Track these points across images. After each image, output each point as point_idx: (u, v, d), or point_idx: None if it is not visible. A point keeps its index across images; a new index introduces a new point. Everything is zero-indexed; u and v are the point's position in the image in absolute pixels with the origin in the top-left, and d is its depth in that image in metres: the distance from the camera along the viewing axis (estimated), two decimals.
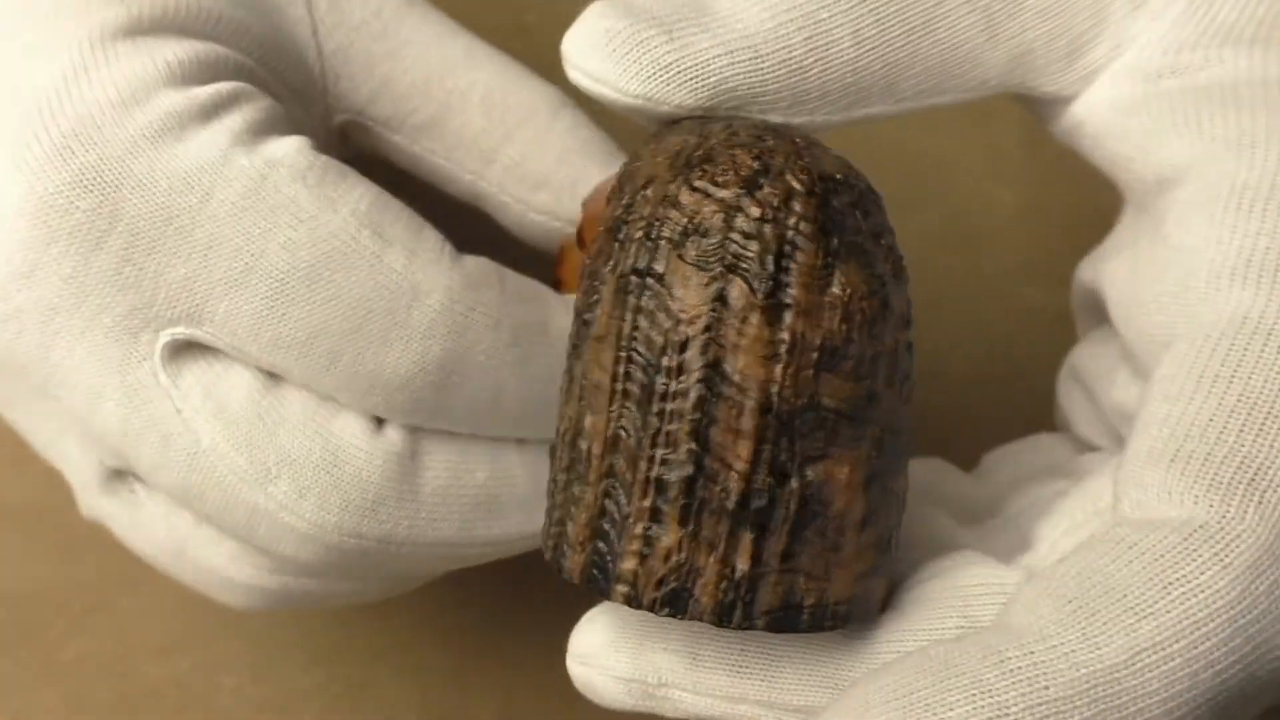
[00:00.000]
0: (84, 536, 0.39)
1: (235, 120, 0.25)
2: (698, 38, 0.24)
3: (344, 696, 0.38)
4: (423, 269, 0.25)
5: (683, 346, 0.22)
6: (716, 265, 0.22)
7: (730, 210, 0.22)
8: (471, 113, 0.29)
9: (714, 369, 0.22)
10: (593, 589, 0.23)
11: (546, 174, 0.29)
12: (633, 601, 0.23)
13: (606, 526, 0.23)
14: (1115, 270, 0.27)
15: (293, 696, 0.38)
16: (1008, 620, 0.22)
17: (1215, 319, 0.23)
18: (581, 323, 0.24)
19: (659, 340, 0.23)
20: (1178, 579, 0.21)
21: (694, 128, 0.24)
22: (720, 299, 0.22)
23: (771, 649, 0.24)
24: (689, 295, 0.22)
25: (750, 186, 0.22)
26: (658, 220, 0.23)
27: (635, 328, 0.23)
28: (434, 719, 0.38)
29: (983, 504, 0.29)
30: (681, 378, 0.22)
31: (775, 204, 0.22)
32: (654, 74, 0.23)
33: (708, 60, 0.24)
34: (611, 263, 0.23)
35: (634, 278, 0.23)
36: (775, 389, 0.22)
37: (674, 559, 0.22)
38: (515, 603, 0.39)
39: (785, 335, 0.22)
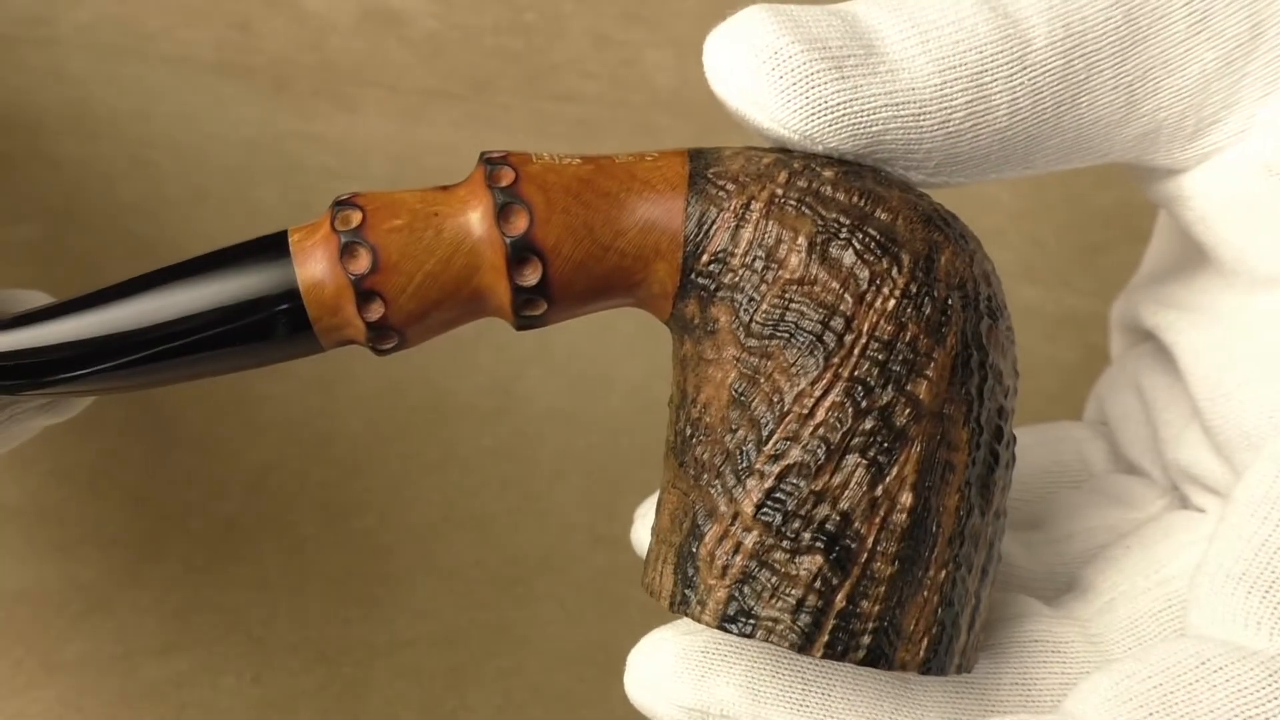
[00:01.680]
0: (84, 536, 0.39)
1: None
2: (867, 81, 0.22)
3: (344, 696, 0.38)
4: None
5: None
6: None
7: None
8: None
9: None
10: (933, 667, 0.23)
11: None
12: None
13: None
14: (1193, 335, 0.27)
15: (293, 696, 0.38)
16: (1083, 713, 0.22)
17: None
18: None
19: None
20: (1258, 715, 0.21)
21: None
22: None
23: (829, 687, 0.24)
24: (1008, 369, 0.23)
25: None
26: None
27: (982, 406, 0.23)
28: (434, 719, 0.38)
29: (1013, 492, 0.29)
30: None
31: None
32: (819, 113, 0.22)
33: (875, 109, 0.22)
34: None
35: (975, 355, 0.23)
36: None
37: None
38: (515, 604, 0.39)
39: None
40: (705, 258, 0.22)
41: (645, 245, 0.23)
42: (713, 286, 0.22)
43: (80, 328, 0.24)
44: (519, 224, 0.22)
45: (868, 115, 0.22)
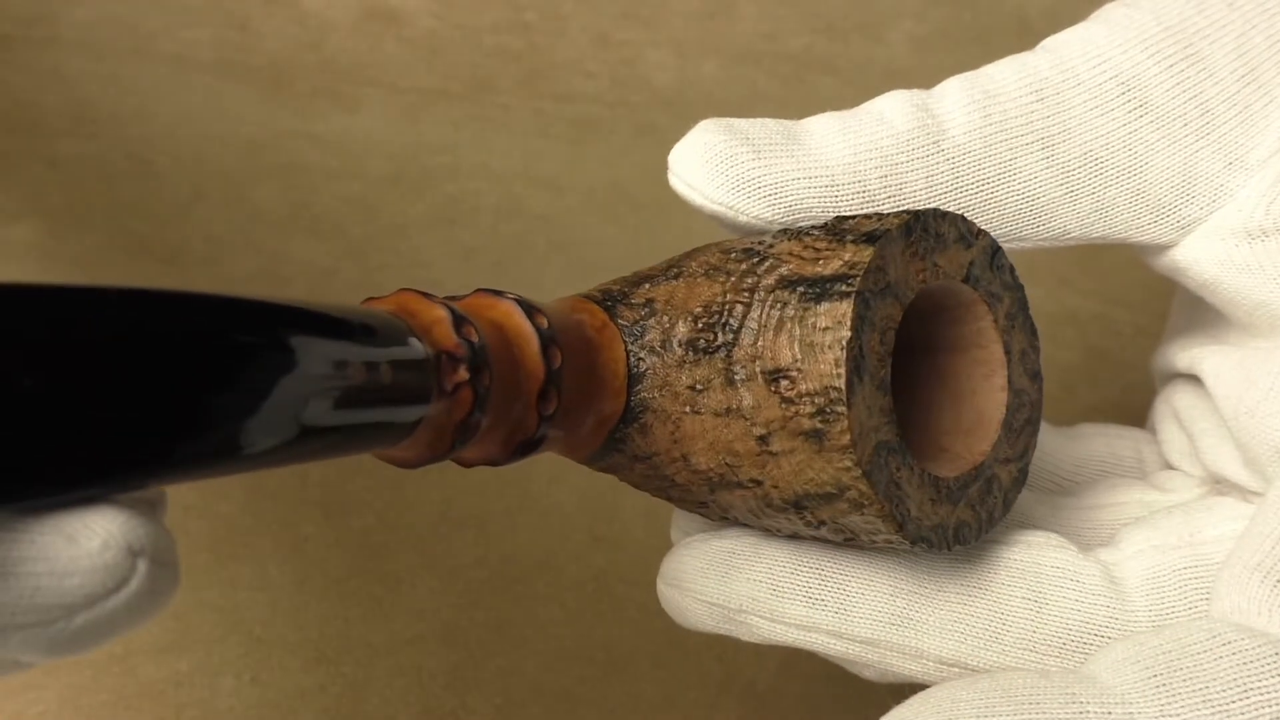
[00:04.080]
0: None
1: None
2: (781, 160, 0.26)
3: (344, 696, 0.38)
4: None
5: None
6: None
7: None
8: None
9: None
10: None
11: None
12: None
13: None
14: (1217, 359, 0.28)
15: (293, 696, 0.38)
16: (1094, 672, 0.23)
17: None
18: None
19: None
20: (1259, 687, 0.23)
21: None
22: None
23: (845, 583, 0.26)
24: None
25: None
26: None
27: None
28: (434, 719, 0.38)
29: (1064, 471, 0.31)
30: None
31: None
32: (738, 185, 0.26)
33: (787, 181, 0.26)
34: None
35: None
36: None
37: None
38: (515, 604, 0.39)
39: None
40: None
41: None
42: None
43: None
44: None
45: (781, 186, 0.26)
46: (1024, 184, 0.26)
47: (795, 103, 0.47)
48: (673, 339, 0.25)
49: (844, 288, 0.23)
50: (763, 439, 0.24)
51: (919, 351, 0.27)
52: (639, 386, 0.25)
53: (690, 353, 0.25)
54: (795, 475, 0.24)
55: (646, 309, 0.25)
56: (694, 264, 0.26)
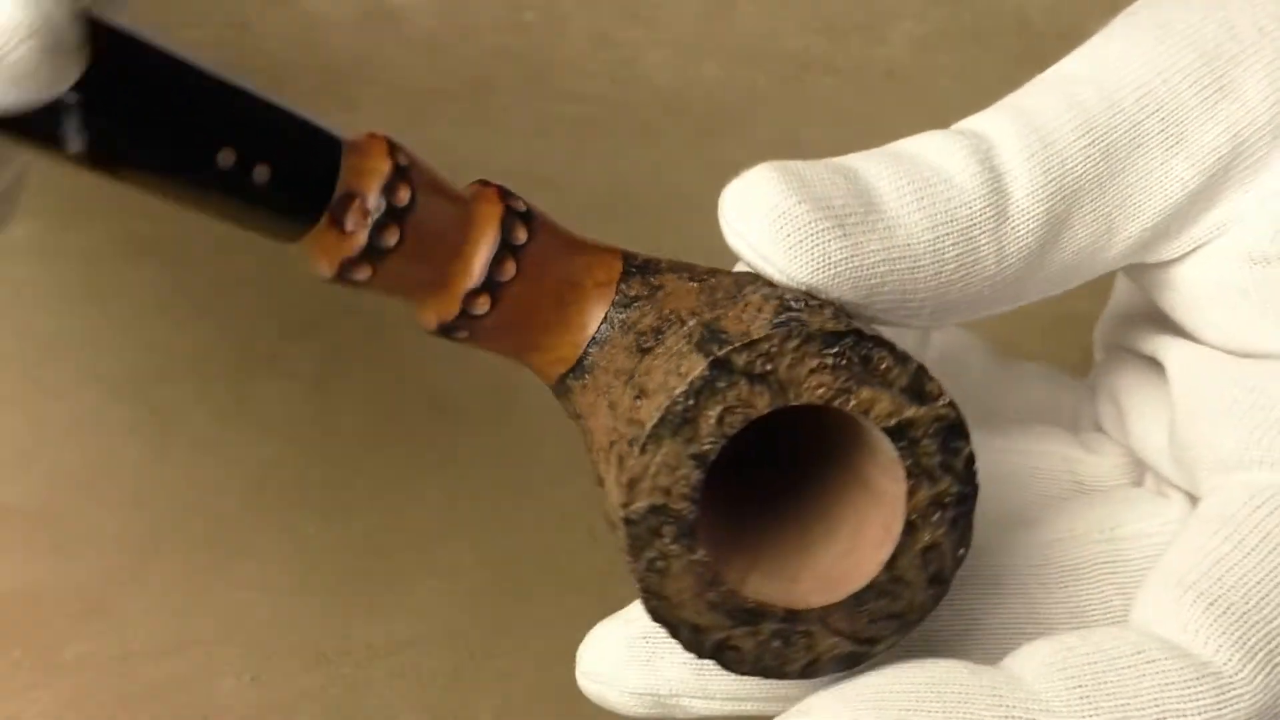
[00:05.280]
0: (84, 536, 0.39)
1: None
2: (867, 239, 0.24)
3: (344, 696, 0.38)
4: None
5: None
6: None
7: None
8: None
9: None
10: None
11: None
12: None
13: None
14: (1185, 350, 0.28)
15: (293, 696, 0.38)
16: (1021, 673, 0.24)
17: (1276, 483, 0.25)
18: None
19: None
20: (1175, 710, 0.23)
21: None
22: None
23: None
24: None
25: None
26: None
27: None
28: (434, 719, 0.38)
29: (1006, 411, 0.32)
30: None
31: None
32: (823, 268, 0.24)
33: (873, 264, 0.24)
34: None
35: None
36: None
37: None
38: (515, 604, 0.39)
39: None
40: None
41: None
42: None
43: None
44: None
45: (867, 270, 0.24)
46: (1073, 239, 0.26)
47: (795, 103, 0.47)
48: (637, 325, 0.25)
49: (715, 349, 0.22)
50: (611, 445, 0.23)
51: (844, 469, 0.25)
52: (594, 349, 0.25)
53: (636, 343, 0.24)
54: (604, 493, 0.23)
55: (649, 290, 0.25)
56: (716, 279, 0.25)
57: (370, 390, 0.42)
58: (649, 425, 0.22)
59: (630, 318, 0.25)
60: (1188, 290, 0.27)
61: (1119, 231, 0.26)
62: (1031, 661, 0.24)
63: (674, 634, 0.23)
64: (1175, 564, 0.25)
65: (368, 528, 0.40)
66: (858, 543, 0.24)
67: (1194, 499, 0.28)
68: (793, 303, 0.24)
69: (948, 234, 0.24)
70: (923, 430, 0.23)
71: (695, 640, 0.23)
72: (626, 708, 0.26)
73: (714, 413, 0.22)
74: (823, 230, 0.24)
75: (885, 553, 0.23)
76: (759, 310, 0.23)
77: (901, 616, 0.24)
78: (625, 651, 0.26)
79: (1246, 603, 0.24)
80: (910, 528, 0.23)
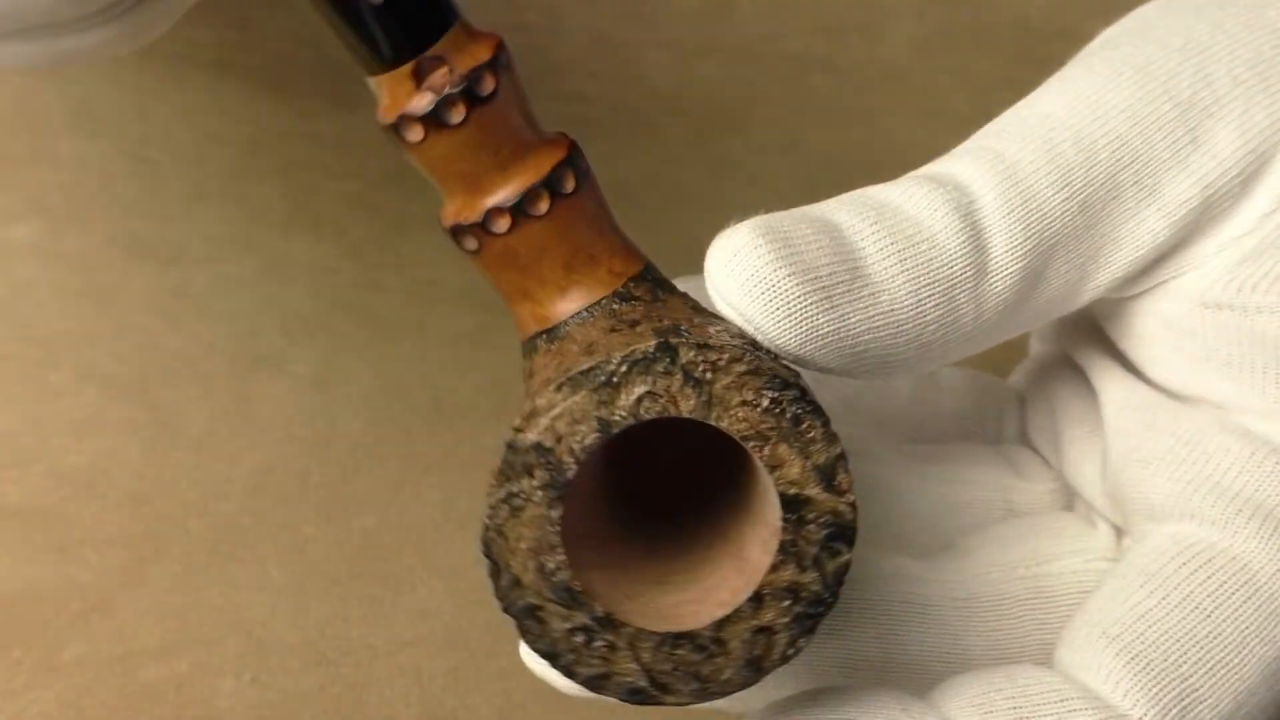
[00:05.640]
0: (84, 536, 0.39)
1: None
2: (852, 309, 0.24)
3: (344, 696, 0.38)
4: None
5: None
6: None
7: None
8: None
9: None
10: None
11: None
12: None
13: None
14: (1124, 389, 0.28)
15: (293, 696, 0.38)
16: (948, 710, 0.24)
17: (1208, 542, 0.26)
18: None
19: None
20: None
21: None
22: None
23: None
24: None
25: None
26: None
27: None
28: (434, 719, 0.38)
29: (929, 428, 0.32)
30: None
31: None
32: (810, 340, 0.24)
33: (858, 334, 0.24)
34: None
35: None
36: None
37: None
38: None
39: None
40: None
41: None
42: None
43: None
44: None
45: (852, 339, 0.24)
46: (1047, 290, 0.26)
47: (795, 103, 0.47)
48: (622, 316, 0.25)
49: (670, 337, 0.22)
50: (542, 385, 0.23)
51: (732, 526, 0.25)
52: (574, 321, 0.25)
53: (611, 326, 0.24)
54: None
55: (651, 298, 0.25)
56: (716, 314, 0.25)
57: (370, 390, 0.42)
58: (574, 371, 0.22)
59: (621, 309, 0.25)
60: (1138, 324, 0.27)
61: (1090, 280, 0.26)
62: (958, 700, 0.24)
63: (494, 576, 0.23)
64: (1102, 612, 0.25)
65: (368, 528, 0.40)
66: (706, 598, 0.24)
67: (1121, 532, 0.29)
68: (763, 344, 0.24)
69: (930, 296, 0.24)
70: (815, 516, 0.23)
71: (509, 593, 0.23)
72: (570, 687, 0.26)
73: (638, 390, 0.22)
74: (810, 305, 0.24)
75: (723, 613, 0.23)
76: (727, 332, 0.24)
77: (703, 681, 0.23)
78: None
79: (1165, 660, 0.24)
80: (756, 600, 0.23)
